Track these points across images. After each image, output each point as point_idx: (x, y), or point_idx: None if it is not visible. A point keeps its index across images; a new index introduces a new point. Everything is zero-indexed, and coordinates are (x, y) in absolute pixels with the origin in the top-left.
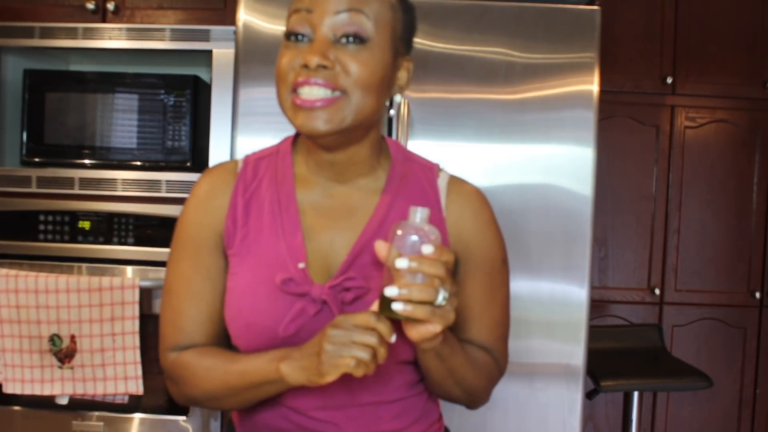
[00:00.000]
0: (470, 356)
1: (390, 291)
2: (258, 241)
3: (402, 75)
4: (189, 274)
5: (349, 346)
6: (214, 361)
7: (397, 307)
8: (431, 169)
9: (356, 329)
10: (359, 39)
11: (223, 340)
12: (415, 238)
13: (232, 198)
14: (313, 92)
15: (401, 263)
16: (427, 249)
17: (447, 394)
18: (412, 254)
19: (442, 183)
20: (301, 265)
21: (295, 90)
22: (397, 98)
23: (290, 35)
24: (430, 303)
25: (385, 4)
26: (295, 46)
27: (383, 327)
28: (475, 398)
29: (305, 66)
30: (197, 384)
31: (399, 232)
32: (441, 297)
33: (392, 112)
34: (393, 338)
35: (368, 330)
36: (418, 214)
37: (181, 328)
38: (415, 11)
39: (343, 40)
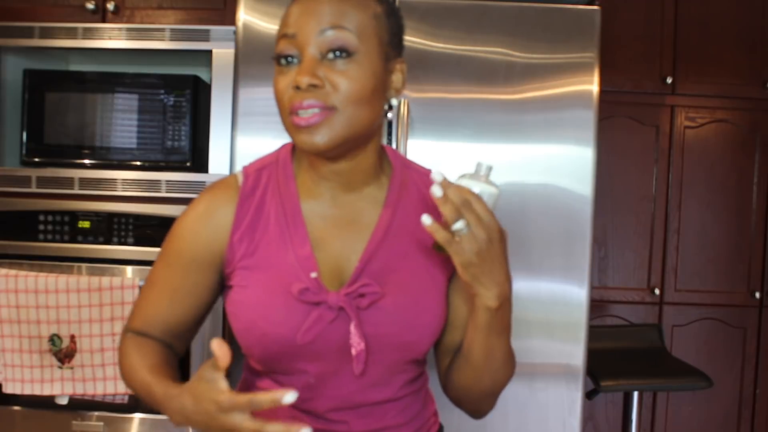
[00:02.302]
0: (509, 345)
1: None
2: (267, 253)
3: (397, 78)
4: (175, 283)
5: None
6: (137, 362)
7: (425, 220)
8: (427, 176)
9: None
10: (345, 52)
11: (182, 341)
12: (476, 189)
13: (236, 213)
14: (308, 113)
15: (425, 219)
16: (437, 176)
17: (474, 388)
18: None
19: None
20: (314, 275)
21: (292, 113)
22: (394, 101)
23: (280, 58)
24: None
25: (367, 13)
26: (287, 69)
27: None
28: (494, 395)
29: (297, 87)
30: (122, 371)
31: (463, 182)
32: (459, 223)
33: (390, 115)
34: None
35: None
36: (483, 168)
37: (147, 319)
38: (400, 12)
39: (330, 55)
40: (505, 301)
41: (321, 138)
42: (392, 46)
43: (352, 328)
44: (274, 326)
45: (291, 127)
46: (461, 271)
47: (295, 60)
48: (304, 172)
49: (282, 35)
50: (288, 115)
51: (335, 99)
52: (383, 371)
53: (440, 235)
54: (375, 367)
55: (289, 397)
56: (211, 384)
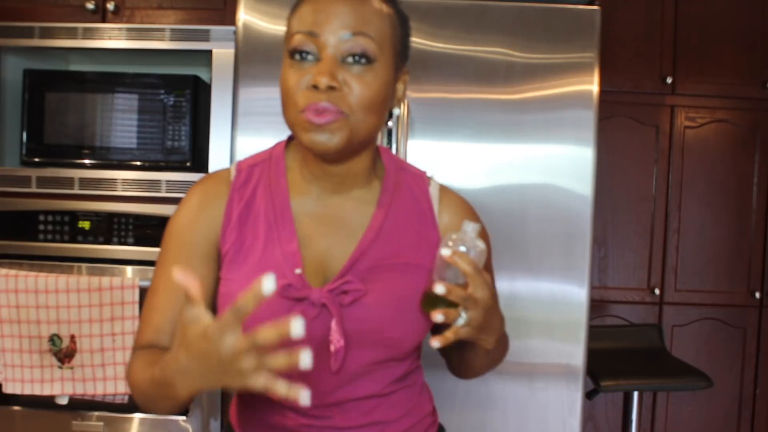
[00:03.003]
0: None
1: (438, 288)
2: (254, 248)
3: (399, 88)
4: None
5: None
6: (141, 366)
7: (434, 344)
8: (422, 178)
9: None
10: (366, 59)
11: None
12: (462, 249)
13: (227, 207)
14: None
15: (439, 289)
16: (445, 252)
17: (478, 374)
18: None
19: (433, 191)
20: (298, 271)
21: (303, 112)
22: (396, 111)
23: (295, 53)
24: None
25: (386, 21)
26: (300, 66)
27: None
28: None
29: (314, 86)
30: (133, 391)
31: (450, 243)
32: (461, 319)
33: (390, 123)
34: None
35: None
36: (469, 228)
37: (154, 326)
38: (409, 21)
39: (349, 59)
40: (501, 334)
41: (331, 140)
42: (401, 57)
43: (333, 324)
44: (256, 321)
45: (299, 124)
46: (466, 338)
47: (311, 57)
48: (296, 169)
49: (300, 31)
50: (298, 112)
51: (348, 103)
52: (365, 367)
53: (452, 337)
54: (355, 363)
55: (297, 326)
56: (195, 322)
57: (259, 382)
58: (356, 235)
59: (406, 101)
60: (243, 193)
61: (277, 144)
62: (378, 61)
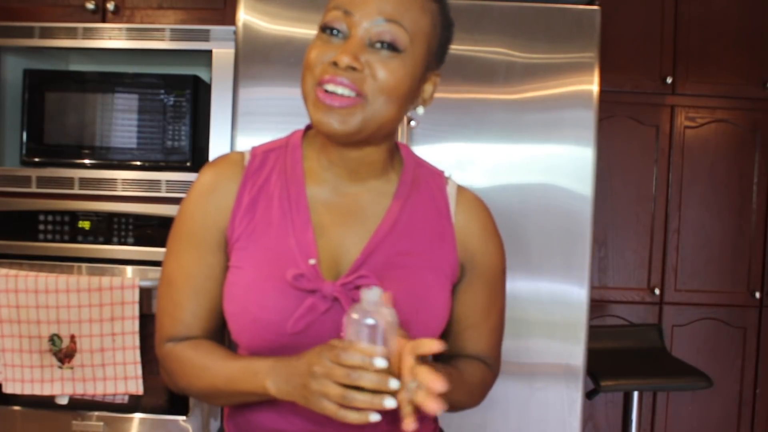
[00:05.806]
0: (468, 383)
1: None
2: (266, 235)
3: (427, 88)
4: (191, 269)
5: (335, 387)
6: (205, 360)
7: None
8: (440, 176)
9: (346, 368)
10: (393, 48)
11: (219, 333)
12: (371, 321)
13: (239, 192)
14: (337, 90)
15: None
16: (380, 363)
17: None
18: (367, 338)
19: (451, 190)
20: (312, 261)
21: (320, 84)
22: (420, 110)
23: (326, 29)
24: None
25: (426, 17)
26: (328, 40)
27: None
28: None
29: (334, 63)
30: (187, 380)
31: (354, 316)
32: (391, 402)
33: (413, 123)
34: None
35: (361, 369)
36: (371, 295)
37: (180, 320)
38: (453, 28)
39: (378, 44)
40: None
41: (340, 124)
42: (436, 57)
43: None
44: (266, 312)
45: (314, 101)
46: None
47: (340, 35)
48: (312, 157)
49: (337, 7)
50: (315, 86)
51: (369, 87)
52: None
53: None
54: None
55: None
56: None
57: (330, 408)
58: (371, 226)
59: None
60: (257, 179)
61: (295, 132)
62: (407, 53)
